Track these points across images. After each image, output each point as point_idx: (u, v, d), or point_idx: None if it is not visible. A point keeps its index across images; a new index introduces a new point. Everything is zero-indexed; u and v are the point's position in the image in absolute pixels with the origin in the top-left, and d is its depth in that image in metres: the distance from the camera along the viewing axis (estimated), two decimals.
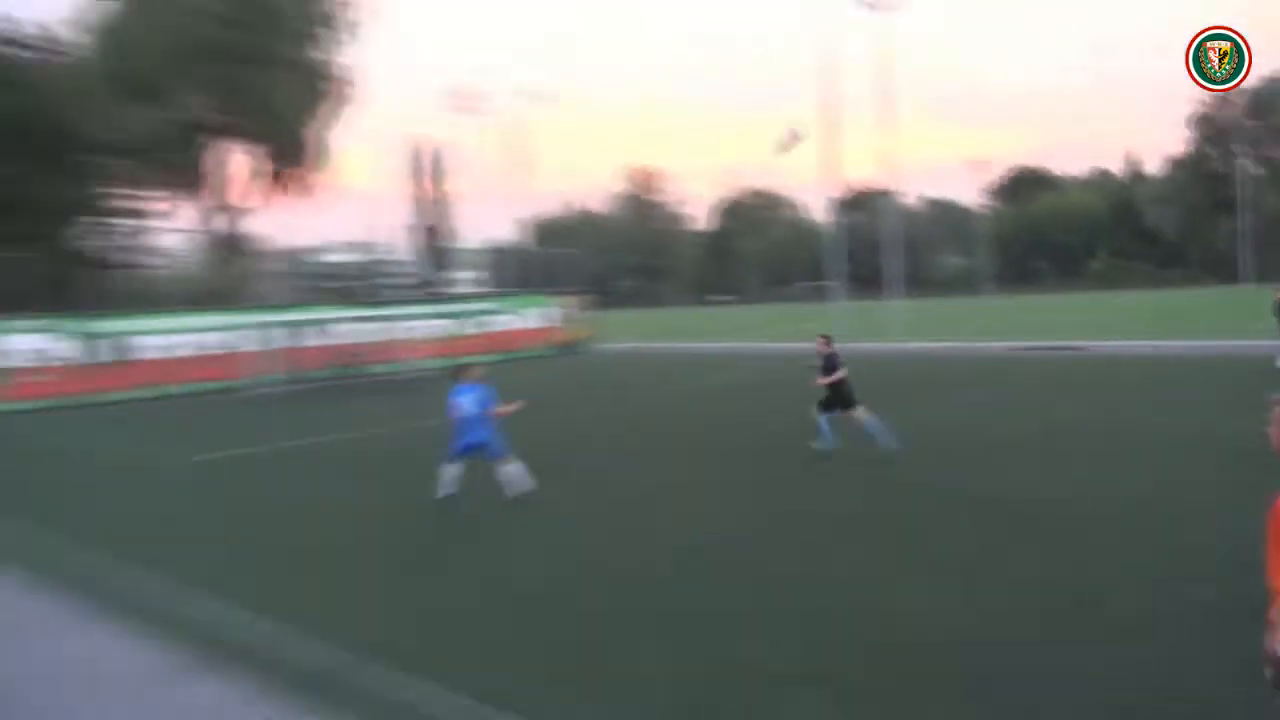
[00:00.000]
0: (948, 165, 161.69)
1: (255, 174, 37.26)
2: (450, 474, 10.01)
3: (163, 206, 39.53)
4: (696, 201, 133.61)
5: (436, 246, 74.21)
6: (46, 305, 28.64)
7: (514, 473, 10.05)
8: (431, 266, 48.15)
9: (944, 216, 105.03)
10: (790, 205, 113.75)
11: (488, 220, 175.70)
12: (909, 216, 79.30)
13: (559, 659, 5.88)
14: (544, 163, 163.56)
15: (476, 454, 9.94)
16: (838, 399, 12.00)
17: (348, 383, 27.58)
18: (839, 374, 11.95)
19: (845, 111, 50.27)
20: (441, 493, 10.02)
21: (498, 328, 36.85)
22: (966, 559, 7.50)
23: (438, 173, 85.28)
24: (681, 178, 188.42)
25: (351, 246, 35.72)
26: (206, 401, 25.72)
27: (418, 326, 32.81)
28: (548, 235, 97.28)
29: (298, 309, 36.25)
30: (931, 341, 31.94)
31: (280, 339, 28.97)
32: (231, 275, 37.25)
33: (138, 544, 9.54)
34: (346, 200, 74.49)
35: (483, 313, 36.68)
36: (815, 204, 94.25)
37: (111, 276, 40.48)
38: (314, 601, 7.32)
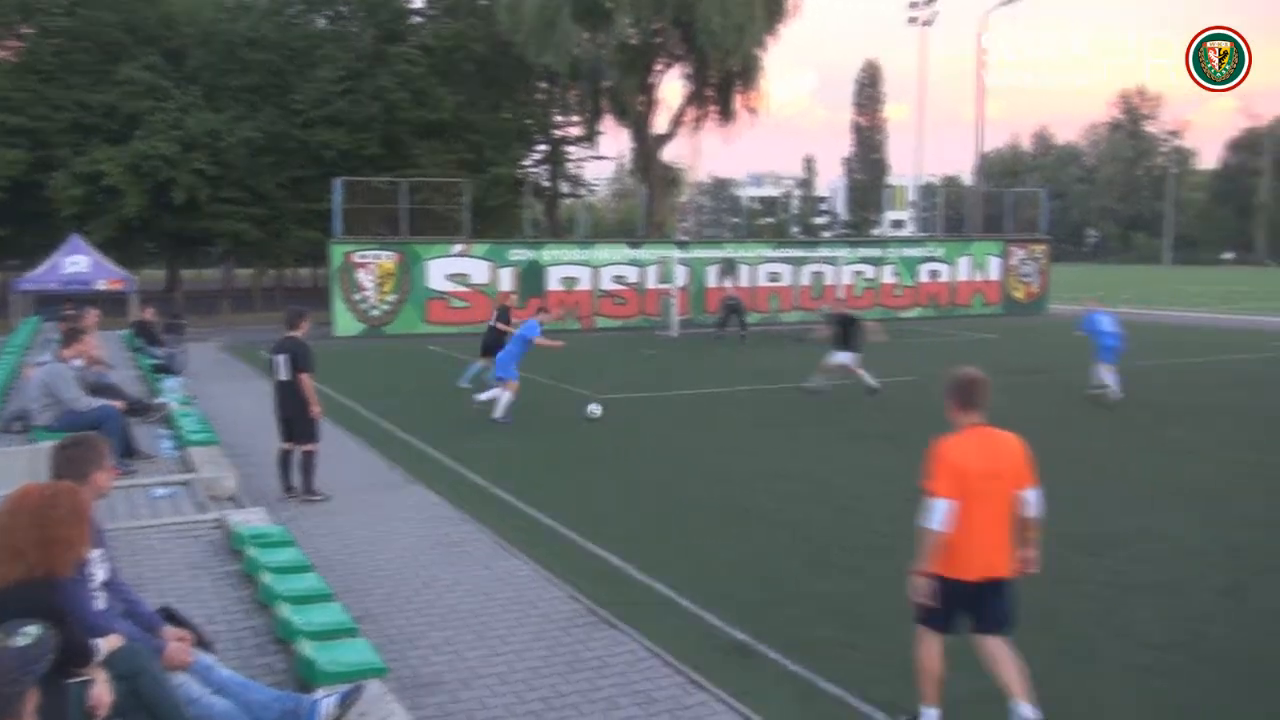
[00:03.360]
0: None
1: (689, 99, 34.89)
2: None
3: (595, 133, 39.01)
4: (1204, 133, 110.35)
5: (867, 181, 68.58)
6: (476, 231, 28.83)
7: None
8: (858, 204, 43.28)
9: None
10: None
11: (934, 153, 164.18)
12: None
13: None
14: (1008, 86, 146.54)
15: None
16: None
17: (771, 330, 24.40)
18: None
19: None
20: None
21: (934, 278, 31.20)
22: None
23: (874, 99, 78.68)
24: (1187, 103, 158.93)
25: (775, 179, 32.11)
26: (611, 340, 24.03)
27: (840, 271, 28.47)
28: (1003, 172, 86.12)
29: (712, 245, 33.78)
30: None
31: (692, 278, 26.63)
32: (661, 207, 35.63)
33: None
34: (773, 127, 71.36)
35: (917, 259, 31.17)
36: None
37: (543, 204, 41.28)
38: None
